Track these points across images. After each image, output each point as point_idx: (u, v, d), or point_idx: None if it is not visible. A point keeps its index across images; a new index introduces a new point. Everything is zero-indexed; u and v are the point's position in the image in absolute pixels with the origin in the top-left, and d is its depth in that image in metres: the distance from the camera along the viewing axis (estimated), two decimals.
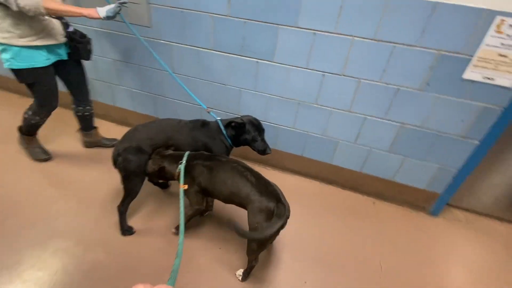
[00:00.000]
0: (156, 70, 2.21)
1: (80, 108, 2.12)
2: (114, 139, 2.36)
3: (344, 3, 1.54)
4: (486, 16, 1.37)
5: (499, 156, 1.83)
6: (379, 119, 1.84)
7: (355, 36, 1.61)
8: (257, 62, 1.90)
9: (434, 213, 2.08)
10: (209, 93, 2.16)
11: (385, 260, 1.72)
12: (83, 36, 1.85)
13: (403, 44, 1.55)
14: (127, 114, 2.58)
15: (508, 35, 1.38)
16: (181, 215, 1.09)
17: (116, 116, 2.65)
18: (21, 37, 1.56)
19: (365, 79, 1.73)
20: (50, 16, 1.61)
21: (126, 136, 1.61)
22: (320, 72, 1.79)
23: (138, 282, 0.45)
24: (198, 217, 1.75)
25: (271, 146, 1.73)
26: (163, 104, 2.39)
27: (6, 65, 1.65)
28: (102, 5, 1.57)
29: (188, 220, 1.60)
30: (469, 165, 1.81)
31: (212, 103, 2.20)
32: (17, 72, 1.68)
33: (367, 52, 1.63)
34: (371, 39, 1.59)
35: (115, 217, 1.66)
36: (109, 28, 2.13)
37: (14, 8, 1.40)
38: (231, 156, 1.64)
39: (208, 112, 1.78)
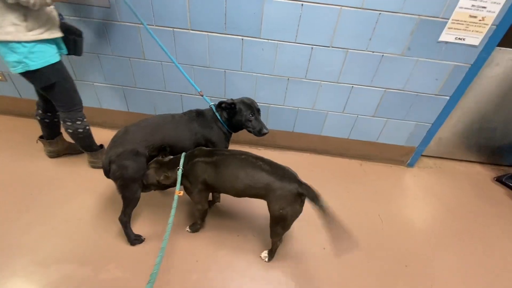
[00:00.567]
0: (124, 59, 1.94)
1: (49, 114, 1.80)
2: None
3: None
4: None
5: (462, 107, 2.11)
6: (365, 87, 1.93)
7: (343, 6, 1.61)
8: (242, 39, 1.79)
9: (411, 164, 2.36)
10: (190, 78, 1.99)
11: (382, 212, 1.93)
12: (77, 29, 1.57)
13: (388, 11, 1.61)
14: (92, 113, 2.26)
15: None
16: (168, 226, 1.11)
17: None
18: (29, 30, 1.27)
19: (352, 49, 1.77)
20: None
21: (116, 141, 1.41)
22: (309, 46, 1.77)
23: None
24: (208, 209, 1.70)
25: None
26: (134, 96, 2.14)
27: (18, 70, 1.33)
28: None
29: (202, 220, 1.59)
30: (440, 119, 2.05)
31: (192, 88, 2.05)
32: (34, 74, 1.37)
33: (354, 22, 1.66)
34: (359, 8, 1.61)
35: (115, 226, 1.52)
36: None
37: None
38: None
39: (201, 96, 1.66)
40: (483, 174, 2.42)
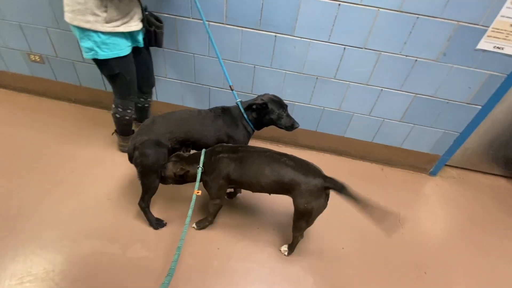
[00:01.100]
0: (158, 49, 1.99)
1: (142, 100, 1.93)
2: None
3: None
4: None
5: (492, 117, 2.06)
6: (394, 91, 1.92)
7: (381, 8, 1.60)
8: (275, 36, 1.81)
9: (433, 173, 2.32)
10: (219, 71, 2.03)
11: (402, 218, 1.91)
12: (159, 20, 1.62)
13: (427, 15, 1.59)
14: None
15: None
16: (185, 226, 1.13)
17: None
18: (107, 21, 1.33)
19: (385, 52, 1.76)
20: None
21: (143, 129, 1.46)
22: (341, 46, 1.78)
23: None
24: (227, 201, 1.75)
25: None
26: (164, 86, 2.20)
27: (88, 56, 1.43)
28: None
29: (214, 216, 1.60)
30: (469, 128, 2.01)
31: (223, 82, 2.09)
32: (101, 62, 1.48)
33: (391, 24, 1.65)
34: (396, 11, 1.60)
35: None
36: None
37: None
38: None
39: (232, 90, 1.69)
40: (508, 188, 2.35)
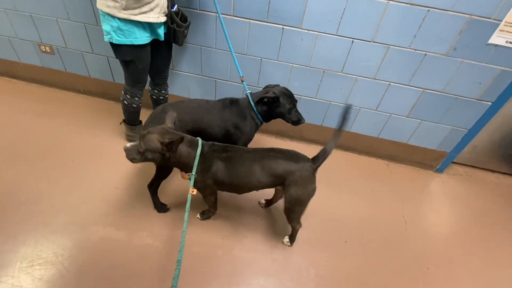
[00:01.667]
0: None
1: (156, 91, 1.98)
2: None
3: None
4: None
5: (502, 114, 2.02)
6: (402, 85, 1.89)
7: (390, 0, 1.58)
8: (282, 28, 1.80)
9: (440, 170, 2.30)
10: (226, 64, 2.04)
11: (406, 213, 1.91)
12: (185, 19, 1.65)
13: (438, 8, 1.56)
14: None
15: None
16: (184, 223, 1.04)
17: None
18: (124, 8, 1.38)
19: (394, 46, 1.73)
20: None
21: (154, 118, 1.49)
22: (349, 39, 1.76)
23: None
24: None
25: None
26: (170, 78, 2.22)
27: (106, 39, 1.50)
28: None
29: (215, 207, 1.58)
30: (478, 125, 1.98)
31: (229, 74, 2.10)
32: (116, 47, 1.55)
33: (400, 17, 1.62)
34: (407, 3, 1.57)
35: (147, 198, 1.62)
36: None
37: None
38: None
39: (242, 81, 1.70)
40: None
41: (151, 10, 1.45)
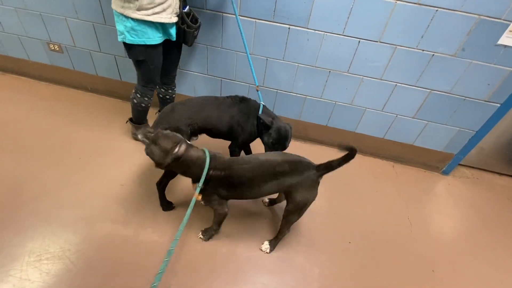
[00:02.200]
0: None
1: (163, 90, 2.01)
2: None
3: None
4: None
5: (511, 116, 1.99)
6: (409, 86, 1.88)
7: (398, 0, 1.57)
8: (288, 28, 1.80)
9: (446, 172, 2.28)
10: (232, 63, 2.05)
11: (411, 215, 1.89)
12: (195, 20, 1.66)
13: (446, 8, 1.55)
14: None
15: None
16: (180, 226, 1.04)
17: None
18: (138, 9, 1.40)
19: (401, 46, 1.72)
20: None
21: (163, 117, 1.50)
22: (356, 39, 1.75)
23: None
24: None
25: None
26: (177, 77, 2.23)
27: (119, 39, 1.53)
28: None
29: (219, 225, 1.52)
30: (486, 127, 1.95)
31: (235, 74, 2.10)
32: (129, 47, 1.57)
33: (408, 17, 1.61)
34: (415, 3, 1.56)
35: (153, 195, 1.63)
36: None
37: None
38: None
39: (257, 91, 1.69)
40: None
41: (164, 10, 1.47)
